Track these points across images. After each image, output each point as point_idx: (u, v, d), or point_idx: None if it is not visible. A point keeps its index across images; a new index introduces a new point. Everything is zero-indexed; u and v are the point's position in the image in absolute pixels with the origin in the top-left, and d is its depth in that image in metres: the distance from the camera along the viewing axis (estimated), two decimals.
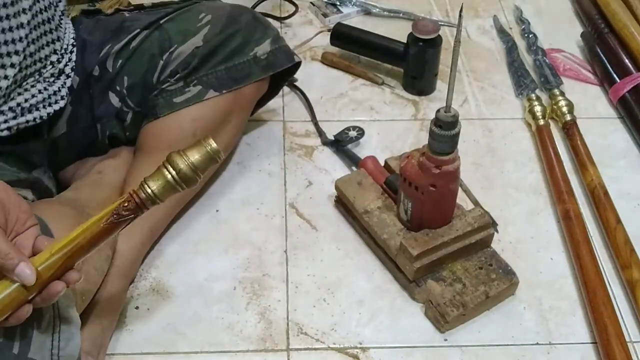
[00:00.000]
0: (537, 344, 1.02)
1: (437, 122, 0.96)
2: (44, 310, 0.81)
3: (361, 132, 1.27)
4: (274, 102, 1.33)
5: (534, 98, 1.36)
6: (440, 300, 1.02)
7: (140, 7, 1.16)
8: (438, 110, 0.96)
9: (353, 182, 1.15)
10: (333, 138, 1.28)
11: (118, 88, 1.09)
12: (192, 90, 1.09)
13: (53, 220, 0.89)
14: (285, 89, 1.39)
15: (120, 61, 1.09)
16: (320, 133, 1.31)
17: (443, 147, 0.98)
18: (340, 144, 1.27)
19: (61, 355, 0.82)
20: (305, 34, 1.53)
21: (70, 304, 0.85)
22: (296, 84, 1.39)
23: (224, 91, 1.10)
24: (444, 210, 1.05)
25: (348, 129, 1.28)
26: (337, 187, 1.16)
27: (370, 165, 1.17)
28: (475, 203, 1.17)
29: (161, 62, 1.09)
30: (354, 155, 1.25)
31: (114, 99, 1.10)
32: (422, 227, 1.05)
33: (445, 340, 1.02)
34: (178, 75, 1.09)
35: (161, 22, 1.10)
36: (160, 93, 1.09)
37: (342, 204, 1.16)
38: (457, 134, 0.97)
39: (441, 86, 1.41)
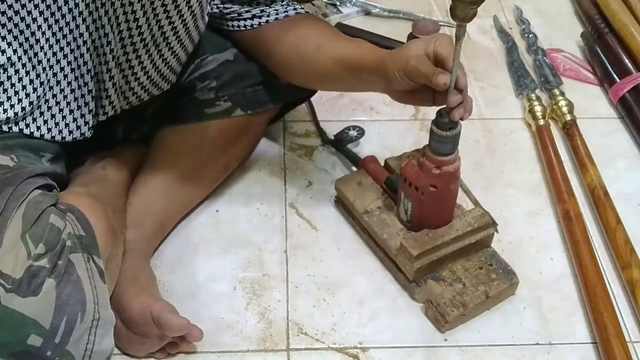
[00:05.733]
0: (537, 344, 1.02)
1: (438, 122, 0.96)
2: (88, 304, 0.82)
3: (361, 132, 1.27)
4: None
5: (534, 98, 1.36)
6: (440, 300, 1.02)
7: None
8: (438, 111, 0.96)
9: (353, 182, 1.15)
10: (333, 138, 1.28)
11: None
12: (223, 105, 1.12)
13: (87, 213, 0.90)
14: None
15: None
16: (321, 132, 1.31)
17: (443, 147, 0.98)
18: (341, 144, 1.27)
19: (94, 351, 0.83)
20: None
21: (107, 301, 0.86)
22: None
23: (249, 112, 1.13)
24: (444, 211, 1.05)
25: (348, 128, 1.28)
26: (337, 187, 1.16)
27: (370, 165, 1.17)
28: (475, 203, 1.17)
29: (192, 66, 1.11)
30: (354, 155, 1.25)
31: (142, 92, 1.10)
32: (422, 227, 1.05)
33: (445, 340, 1.02)
34: (211, 86, 1.11)
35: None
36: (192, 100, 1.12)
37: (342, 204, 1.16)
38: (458, 135, 0.97)
39: None
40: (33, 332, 0.78)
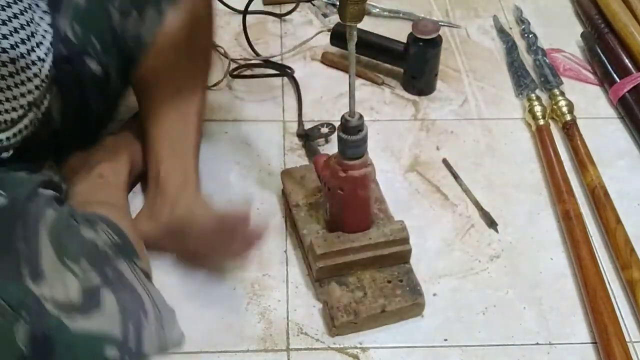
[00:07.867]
0: (537, 344, 1.02)
1: (342, 125, 0.96)
2: (146, 304, 0.84)
3: (332, 129, 1.27)
4: (274, 102, 1.33)
5: (534, 98, 1.36)
6: (335, 303, 1.01)
7: None
8: (343, 115, 0.96)
9: (297, 175, 1.15)
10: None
11: (91, 51, 1.03)
12: (150, 13, 1.03)
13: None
14: (285, 86, 1.39)
15: (78, 27, 1.01)
16: (299, 124, 1.31)
17: (348, 151, 0.98)
18: (308, 139, 1.27)
19: (167, 344, 0.86)
20: (305, 34, 1.53)
21: (163, 299, 0.88)
22: (296, 82, 1.40)
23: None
24: (355, 216, 1.04)
25: (322, 125, 1.28)
26: (281, 177, 1.16)
27: (320, 163, 1.14)
28: (475, 203, 1.17)
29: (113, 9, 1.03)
30: (315, 150, 1.25)
31: (93, 64, 1.03)
32: (338, 229, 1.05)
33: (445, 340, 1.02)
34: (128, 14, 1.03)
35: None
36: (126, 40, 1.04)
37: (284, 195, 1.16)
38: (362, 140, 0.97)
39: (441, 86, 1.41)
40: (107, 344, 0.78)
